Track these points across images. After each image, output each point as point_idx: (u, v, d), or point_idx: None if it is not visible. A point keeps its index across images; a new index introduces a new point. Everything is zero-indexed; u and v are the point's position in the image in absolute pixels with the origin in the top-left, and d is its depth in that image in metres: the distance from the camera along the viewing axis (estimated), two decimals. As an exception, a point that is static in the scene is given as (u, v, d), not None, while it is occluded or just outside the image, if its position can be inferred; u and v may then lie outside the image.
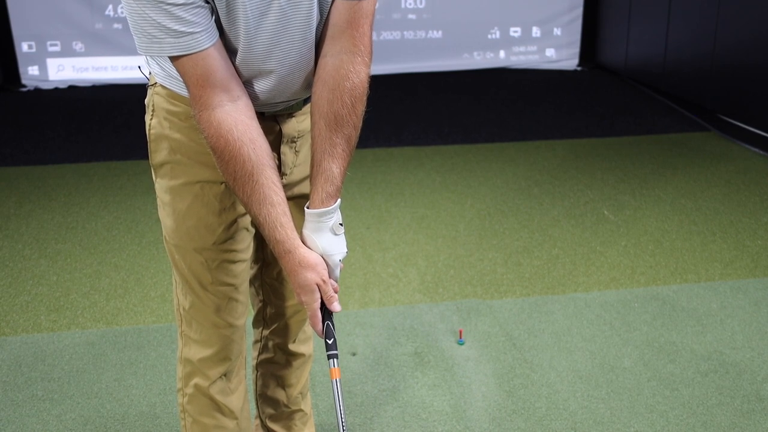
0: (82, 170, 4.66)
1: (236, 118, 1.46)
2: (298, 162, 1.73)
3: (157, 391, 2.51)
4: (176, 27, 1.37)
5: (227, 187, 1.61)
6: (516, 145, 5.16)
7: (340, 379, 1.59)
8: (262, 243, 1.83)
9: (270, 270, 1.90)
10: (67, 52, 6.65)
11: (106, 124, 5.63)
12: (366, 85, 1.53)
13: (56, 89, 6.60)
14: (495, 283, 3.26)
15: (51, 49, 6.62)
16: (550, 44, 7.35)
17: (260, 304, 1.96)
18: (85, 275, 3.34)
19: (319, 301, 1.56)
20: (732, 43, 5.45)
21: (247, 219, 1.70)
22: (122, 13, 6.51)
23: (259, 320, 1.99)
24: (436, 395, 2.48)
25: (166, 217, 1.69)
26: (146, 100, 1.67)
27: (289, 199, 1.63)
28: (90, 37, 6.65)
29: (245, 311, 1.80)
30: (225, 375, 1.79)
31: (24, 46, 6.58)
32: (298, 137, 1.72)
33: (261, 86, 1.55)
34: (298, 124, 1.71)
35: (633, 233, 3.75)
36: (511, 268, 3.39)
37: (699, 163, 4.75)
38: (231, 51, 1.48)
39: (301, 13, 1.46)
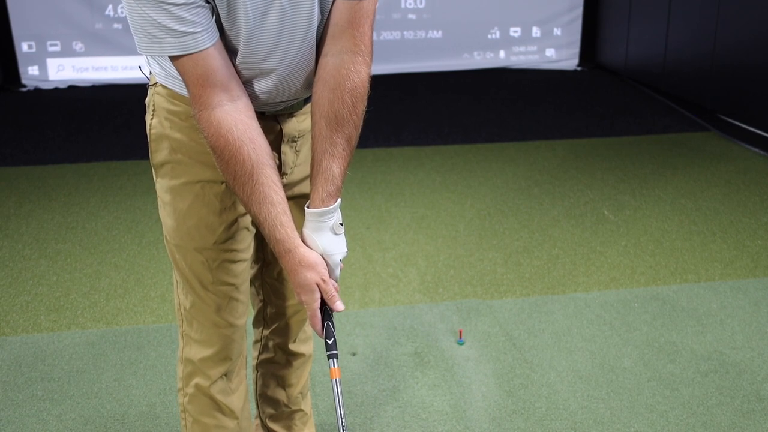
0: (82, 170, 4.66)
1: (236, 118, 1.46)
2: (298, 162, 1.73)
3: (157, 391, 2.51)
4: (177, 27, 1.37)
5: (228, 186, 1.61)
6: (516, 145, 5.16)
7: (340, 379, 1.59)
8: (262, 243, 1.83)
9: (270, 270, 1.90)
10: (67, 52, 6.64)
11: (106, 124, 5.63)
12: (367, 84, 1.53)
13: (56, 89, 6.60)
14: (495, 283, 3.26)
15: (51, 49, 6.61)
16: (550, 44, 7.35)
17: (260, 304, 1.97)
18: (85, 275, 3.34)
19: (319, 300, 1.56)
20: (732, 43, 5.45)
21: (248, 218, 1.70)
22: (122, 13, 6.51)
23: (260, 320, 1.99)
24: (436, 395, 2.48)
25: (166, 217, 1.69)
26: (147, 100, 1.67)
27: (290, 198, 1.63)
28: (90, 37, 6.65)
29: (246, 311, 1.80)
30: (226, 375, 1.79)
31: (24, 46, 6.57)
32: (298, 137, 1.72)
33: (262, 86, 1.55)
34: (298, 124, 1.71)
35: (633, 233, 3.75)
36: (511, 268, 3.39)
37: (699, 163, 4.75)
38: (231, 51, 1.48)
39: (302, 13, 1.46)
